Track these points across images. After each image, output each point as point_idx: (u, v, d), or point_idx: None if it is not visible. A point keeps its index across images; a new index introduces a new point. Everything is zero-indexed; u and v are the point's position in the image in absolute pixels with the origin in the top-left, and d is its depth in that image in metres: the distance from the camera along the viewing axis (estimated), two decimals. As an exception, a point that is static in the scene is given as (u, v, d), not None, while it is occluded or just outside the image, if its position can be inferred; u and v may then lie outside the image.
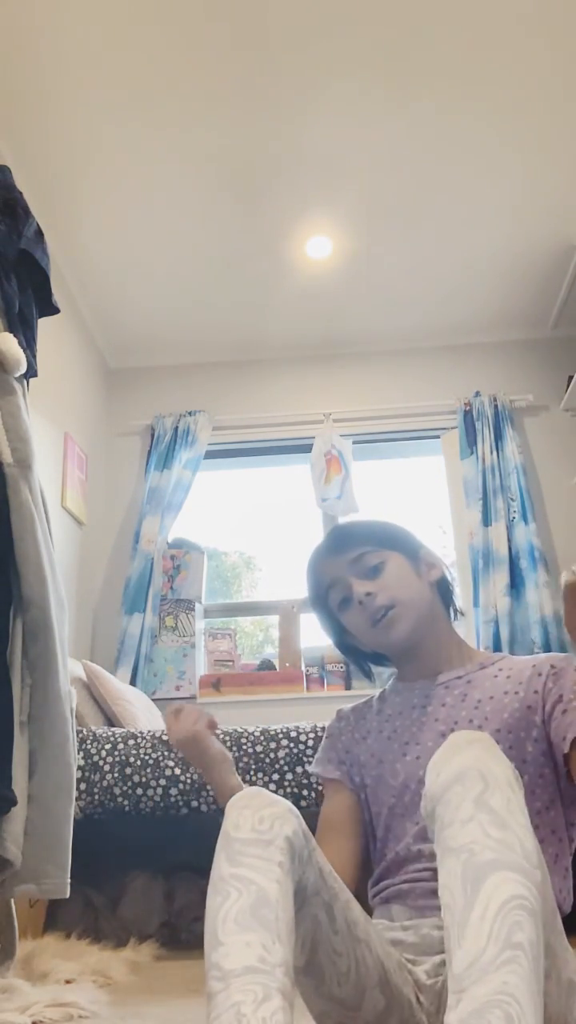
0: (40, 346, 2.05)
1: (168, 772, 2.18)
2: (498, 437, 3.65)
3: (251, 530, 4.20)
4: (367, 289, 3.58)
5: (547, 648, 3.21)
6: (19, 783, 1.52)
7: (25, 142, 2.71)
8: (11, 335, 1.76)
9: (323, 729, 2.26)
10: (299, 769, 2.18)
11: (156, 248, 3.27)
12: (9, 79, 2.48)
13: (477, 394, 3.74)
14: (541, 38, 2.42)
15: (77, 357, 3.57)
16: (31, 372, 1.89)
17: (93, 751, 2.24)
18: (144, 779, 2.18)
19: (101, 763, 2.21)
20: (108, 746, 2.25)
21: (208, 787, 2.16)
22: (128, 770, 2.19)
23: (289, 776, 2.18)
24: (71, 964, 1.74)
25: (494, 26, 2.37)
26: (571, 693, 1.08)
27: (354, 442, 3.81)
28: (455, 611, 1.28)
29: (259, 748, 2.22)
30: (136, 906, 2.32)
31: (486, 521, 3.49)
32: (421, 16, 2.34)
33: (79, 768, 2.17)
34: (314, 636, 3.47)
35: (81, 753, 2.22)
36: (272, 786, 2.17)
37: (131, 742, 2.26)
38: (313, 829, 1.11)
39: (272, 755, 2.21)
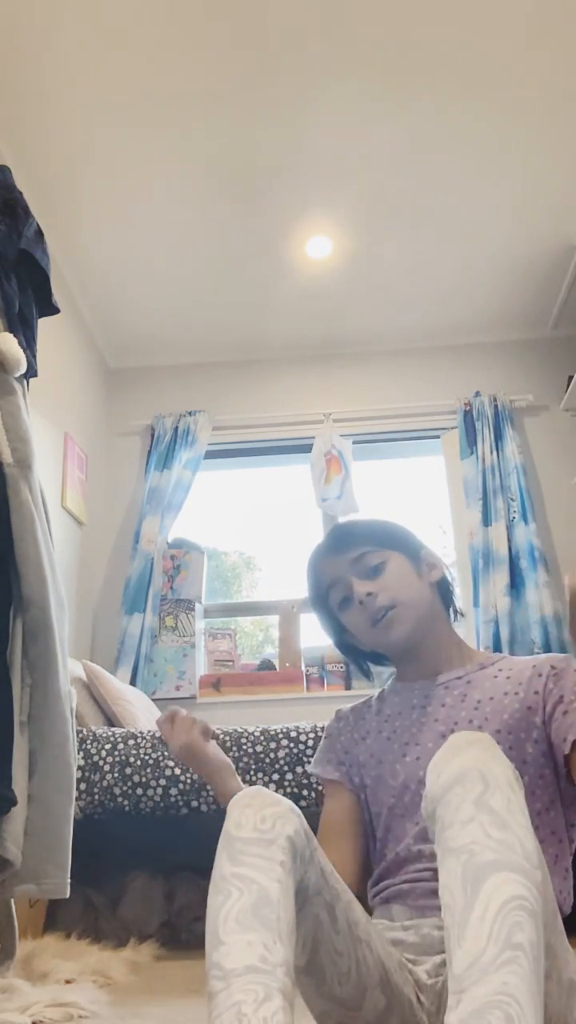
0: (40, 346, 2.05)
1: (168, 772, 2.18)
2: (498, 437, 3.65)
3: (251, 530, 4.20)
4: (367, 289, 3.58)
5: (547, 648, 3.21)
6: (19, 783, 1.52)
7: (25, 142, 2.71)
8: (11, 335, 1.76)
9: (323, 729, 2.26)
10: (299, 769, 2.18)
11: (156, 248, 3.27)
12: (9, 79, 2.48)
13: (477, 394, 3.74)
14: (541, 38, 2.42)
15: (77, 357, 3.57)
16: (31, 372, 1.90)
17: (93, 751, 2.24)
18: (144, 779, 2.18)
19: (101, 763, 2.21)
20: (108, 746, 2.25)
21: (208, 787, 2.16)
22: (128, 770, 2.20)
23: (289, 776, 2.18)
24: (71, 964, 1.74)
25: (494, 26, 2.37)
26: (572, 694, 1.08)
27: (354, 442, 3.81)
28: (455, 612, 1.28)
29: (259, 748, 2.22)
30: (136, 906, 2.32)
31: (486, 521, 3.49)
32: (421, 16, 2.34)
33: (79, 768, 2.17)
34: (314, 636, 3.47)
35: (81, 753, 2.22)
36: (272, 786, 2.17)
37: (131, 742, 2.26)
38: (314, 829, 1.11)
39: (272, 755, 2.21)
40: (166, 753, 2.23)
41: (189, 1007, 1.50)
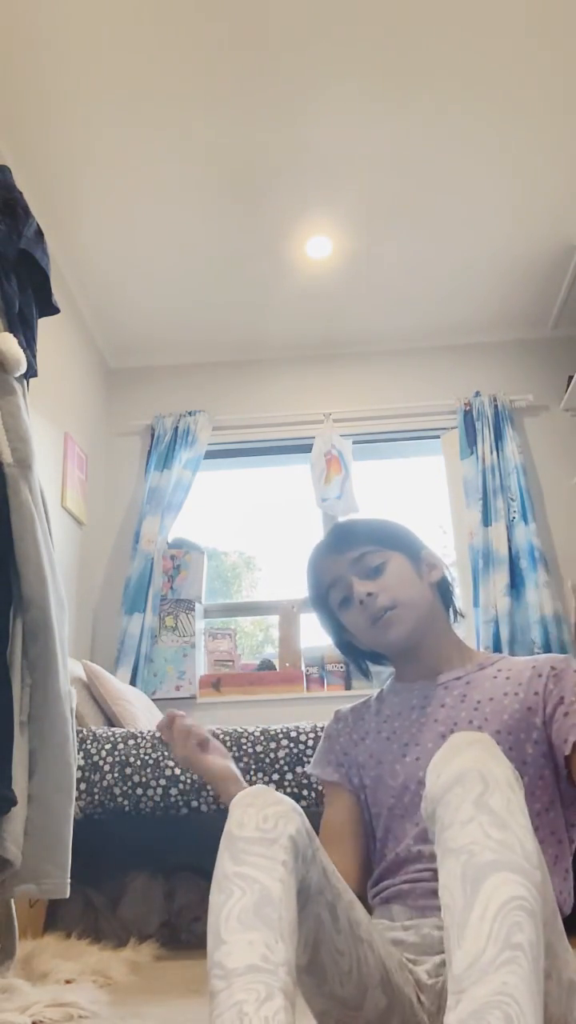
0: (40, 346, 2.05)
1: (168, 772, 2.18)
2: (498, 437, 3.65)
3: (251, 530, 4.20)
4: (367, 289, 3.58)
5: (547, 648, 3.21)
6: (19, 783, 1.52)
7: (25, 142, 2.71)
8: (11, 335, 1.76)
9: (323, 729, 2.26)
10: (299, 769, 2.18)
11: (156, 248, 3.27)
12: (9, 79, 2.48)
13: (477, 394, 3.74)
14: (541, 38, 2.42)
15: (77, 357, 3.57)
16: (31, 372, 1.90)
17: (93, 751, 2.24)
18: (144, 779, 2.18)
19: (101, 763, 2.21)
20: (108, 746, 2.25)
21: (208, 787, 2.16)
22: (128, 770, 2.20)
23: (289, 776, 2.18)
24: (71, 964, 1.74)
25: (494, 26, 2.37)
26: (572, 695, 1.08)
27: (354, 442, 3.81)
28: (455, 612, 1.28)
29: (259, 748, 2.22)
30: (136, 906, 2.33)
31: (486, 521, 3.49)
32: (421, 16, 2.34)
33: (79, 768, 2.17)
34: (314, 636, 3.47)
35: (81, 753, 2.22)
36: (272, 786, 2.17)
37: (131, 742, 2.26)
38: (315, 828, 1.11)
39: (272, 755, 2.21)
40: (166, 753, 2.23)
41: (189, 1007, 1.50)
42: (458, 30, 2.38)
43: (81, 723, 2.43)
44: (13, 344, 1.73)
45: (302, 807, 2.10)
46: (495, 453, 3.61)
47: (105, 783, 2.18)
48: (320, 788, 2.14)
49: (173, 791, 2.16)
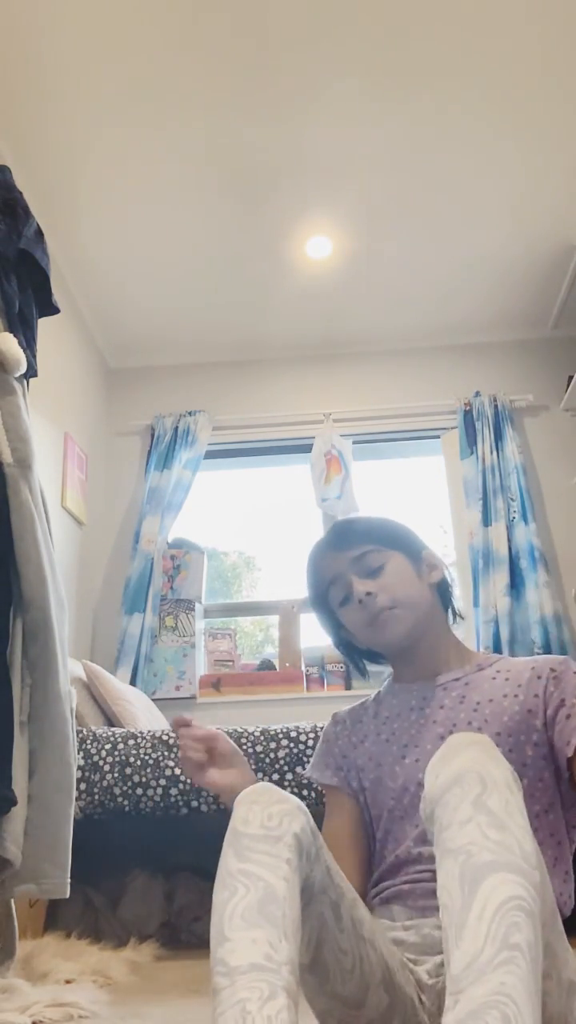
0: (40, 346, 2.05)
1: (168, 772, 2.18)
2: (498, 437, 3.65)
3: (251, 530, 4.20)
4: (367, 289, 3.58)
5: (547, 648, 3.21)
6: (19, 783, 1.52)
7: (25, 142, 2.71)
8: (11, 335, 1.76)
9: (323, 729, 2.26)
10: (299, 769, 2.18)
11: (156, 248, 3.27)
12: (9, 79, 2.48)
13: (477, 394, 3.74)
14: (540, 38, 2.42)
15: (77, 357, 3.57)
16: (31, 372, 1.90)
17: (93, 751, 2.24)
18: (144, 779, 2.18)
19: (101, 763, 2.21)
20: (108, 746, 2.25)
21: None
22: (128, 770, 2.20)
23: (289, 776, 2.18)
24: (71, 964, 1.74)
25: (494, 26, 2.37)
26: (573, 697, 1.08)
27: (354, 442, 3.81)
28: (454, 613, 1.28)
29: (259, 748, 2.22)
30: (136, 906, 2.33)
31: (486, 521, 3.49)
32: (421, 16, 2.34)
33: (79, 768, 2.17)
34: (314, 636, 3.47)
35: (81, 753, 2.22)
36: (272, 786, 2.17)
37: (131, 742, 2.26)
38: (321, 825, 1.10)
39: (272, 755, 2.21)
40: (166, 753, 2.23)
41: (189, 1007, 1.50)
42: (458, 30, 2.38)
43: (81, 723, 2.43)
44: (13, 344, 1.73)
45: (302, 807, 2.11)
46: (495, 453, 3.61)
47: (105, 783, 2.18)
48: (320, 788, 2.14)
49: (173, 791, 2.16)
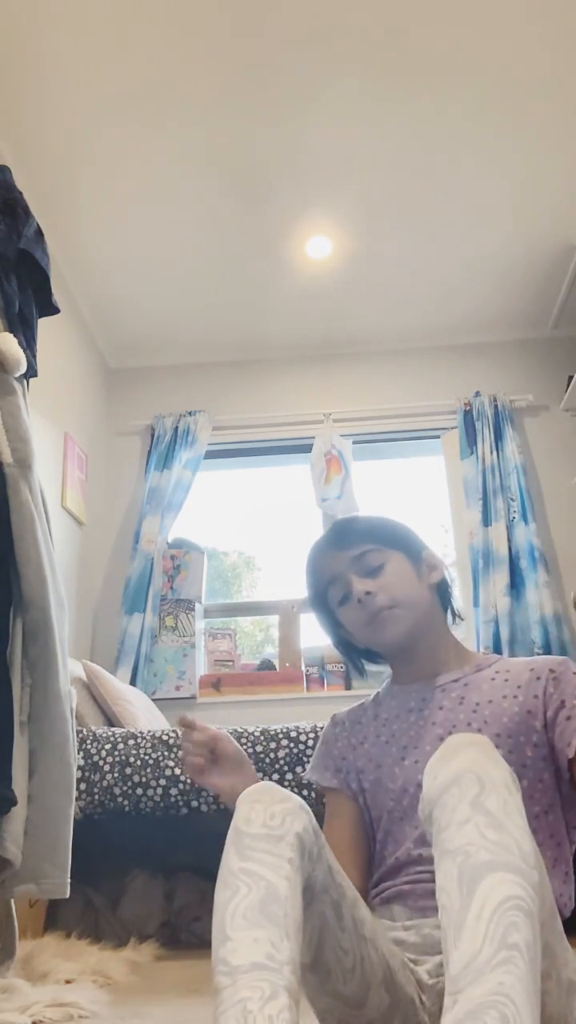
0: (40, 346, 2.05)
1: (168, 772, 2.18)
2: (498, 437, 3.65)
3: (251, 530, 4.20)
4: (367, 289, 3.58)
5: (547, 648, 3.21)
6: (19, 783, 1.52)
7: (25, 142, 2.71)
8: (11, 335, 1.76)
9: (323, 729, 2.26)
10: (299, 769, 2.19)
11: (156, 248, 3.27)
12: (9, 79, 2.48)
13: (477, 394, 3.74)
14: (541, 38, 2.42)
15: (77, 357, 3.57)
16: (31, 372, 1.90)
17: (93, 751, 2.24)
18: (144, 779, 2.18)
19: (101, 763, 2.21)
20: (108, 746, 2.25)
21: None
22: (128, 770, 2.20)
23: (289, 776, 2.18)
24: (71, 964, 1.74)
25: (494, 26, 2.37)
26: (573, 698, 1.08)
27: (354, 442, 3.81)
28: (454, 614, 1.27)
29: (259, 748, 2.22)
30: (136, 906, 2.33)
31: (486, 521, 3.49)
32: (421, 16, 2.34)
33: (79, 768, 2.17)
34: (314, 636, 3.47)
35: (81, 753, 2.22)
36: (272, 786, 2.17)
37: (131, 742, 2.26)
38: (322, 826, 1.10)
39: (272, 755, 2.21)
40: (166, 753, 2.23)
41: (189, 1007, 1.50)
42: (458, 30, 2.38)
43: (81, 723, 2.43)
44: (13, 344, 1.73)
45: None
46: (495, 453, 3.61)
47: (105, 783, 2.18)
48: (319, 790, 2.14)
49: (173, 791, 2.16)
